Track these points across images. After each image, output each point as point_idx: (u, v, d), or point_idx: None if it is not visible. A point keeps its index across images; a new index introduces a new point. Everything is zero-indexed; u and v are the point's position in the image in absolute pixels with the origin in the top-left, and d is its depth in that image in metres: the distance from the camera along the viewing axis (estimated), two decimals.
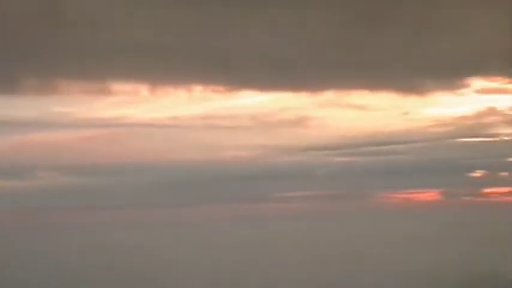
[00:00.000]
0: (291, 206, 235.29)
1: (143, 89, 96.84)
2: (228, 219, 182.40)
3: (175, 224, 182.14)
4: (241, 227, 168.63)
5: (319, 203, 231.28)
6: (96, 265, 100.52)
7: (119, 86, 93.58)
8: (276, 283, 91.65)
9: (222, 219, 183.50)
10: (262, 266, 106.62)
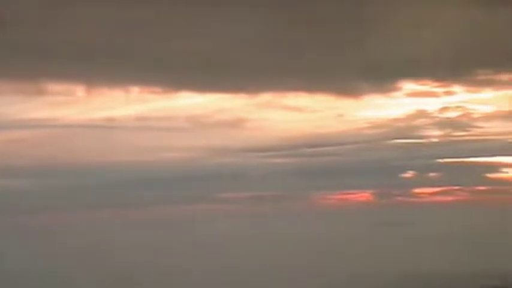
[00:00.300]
0: (226, 207, 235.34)
1: (78, 90, 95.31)
2: (163, 222, 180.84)
3: (110, 226, 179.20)
4: (176, 229, 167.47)
5: (254, 204, 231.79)
6: (22, 269, 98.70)
7: (53, 86, 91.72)
8: (198, 284, 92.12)
9: (157, 221, 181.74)
10: (187, 267, 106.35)
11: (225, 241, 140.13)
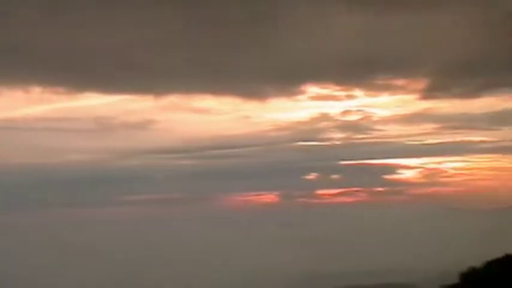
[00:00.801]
0: (132, 210, 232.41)
1: None
2: (65, 224, 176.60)
3: (9, 228, 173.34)
4: (80, 231, 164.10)
5: (160, 206, 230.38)
6: None
7: None
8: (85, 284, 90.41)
9: (58, 223, 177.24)
10: (83, 268, 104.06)
11: (125, 244, 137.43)
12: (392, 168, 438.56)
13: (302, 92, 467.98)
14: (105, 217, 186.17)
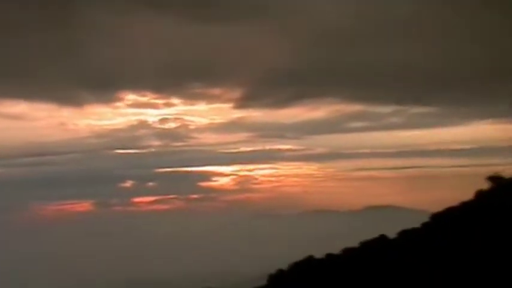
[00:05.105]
0: None
1: None
2: None
3: None
4: None
5: None
6: None
7: None
8: None
9: None
10: None
11: None
12: (207, 176, 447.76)
13: (120, 99, 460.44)
14: None
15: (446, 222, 15.19)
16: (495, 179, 15.97)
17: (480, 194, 15.83)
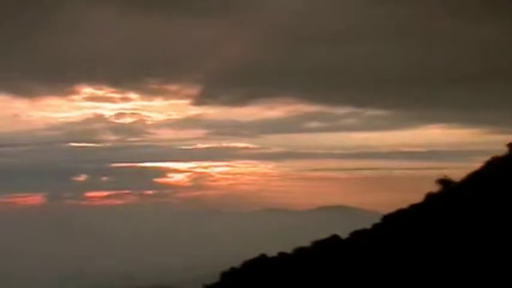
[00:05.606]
0: None
1: None
2: None
3: None
4: None
5: None
6: None
7: None
8: None
9: None
10: None
11: None
12: (162, 172, 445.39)
13: (76, 92, 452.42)
14: None
15: (397, 223, 15.51)
16: (444, 181, 16.39)
17: (430, 197, 16.22)
